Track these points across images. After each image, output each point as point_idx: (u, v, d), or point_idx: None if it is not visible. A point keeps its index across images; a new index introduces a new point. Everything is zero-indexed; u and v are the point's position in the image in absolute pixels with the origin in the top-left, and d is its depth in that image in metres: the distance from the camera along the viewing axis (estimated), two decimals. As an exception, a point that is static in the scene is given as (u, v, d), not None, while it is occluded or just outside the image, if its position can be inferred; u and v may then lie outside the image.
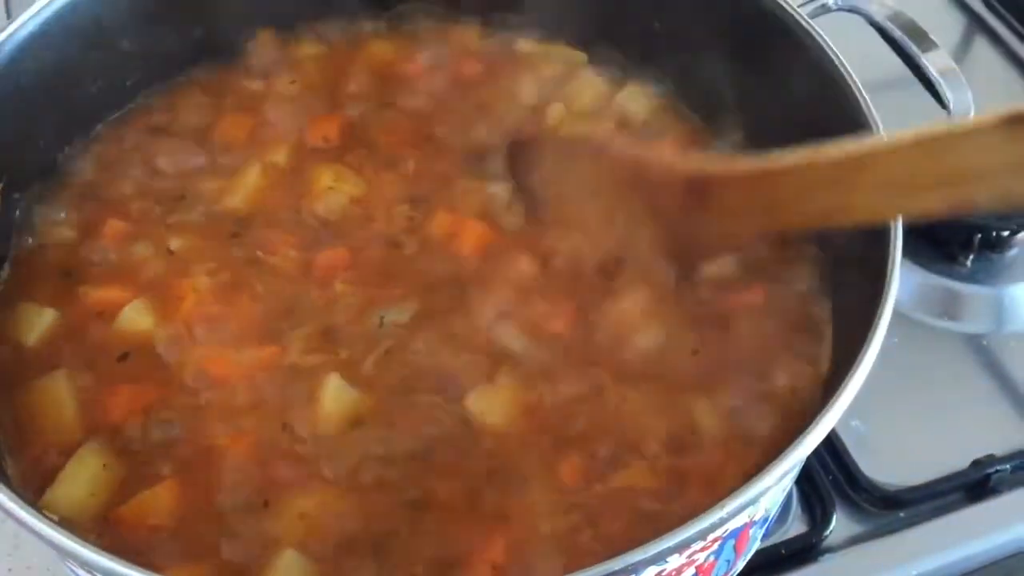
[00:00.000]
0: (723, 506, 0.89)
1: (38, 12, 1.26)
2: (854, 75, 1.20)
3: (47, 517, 0.89)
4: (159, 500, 1.06)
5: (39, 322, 1.20)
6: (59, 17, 1.28)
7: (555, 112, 1.41)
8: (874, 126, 1.15)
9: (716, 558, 1.00)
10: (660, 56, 1.45)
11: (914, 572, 1.32)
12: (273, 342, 1.19)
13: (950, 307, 1.57)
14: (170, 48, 1.43)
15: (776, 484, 0.91)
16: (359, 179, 1.35)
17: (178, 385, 1.15)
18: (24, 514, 0.87)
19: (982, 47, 1.95)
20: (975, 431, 1.44)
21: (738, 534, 1.00)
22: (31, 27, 1.26)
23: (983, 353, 1.53)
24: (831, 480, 1.38)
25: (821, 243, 1.23)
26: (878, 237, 1.07)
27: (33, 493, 1.06)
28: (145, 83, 1.44)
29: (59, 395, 1.14)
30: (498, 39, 1.51)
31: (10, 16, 1.24)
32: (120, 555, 0.85)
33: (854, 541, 1.34)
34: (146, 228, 1.30)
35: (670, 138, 1.41)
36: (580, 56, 1.49)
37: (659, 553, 0.87)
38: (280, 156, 1.37)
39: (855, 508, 1.37)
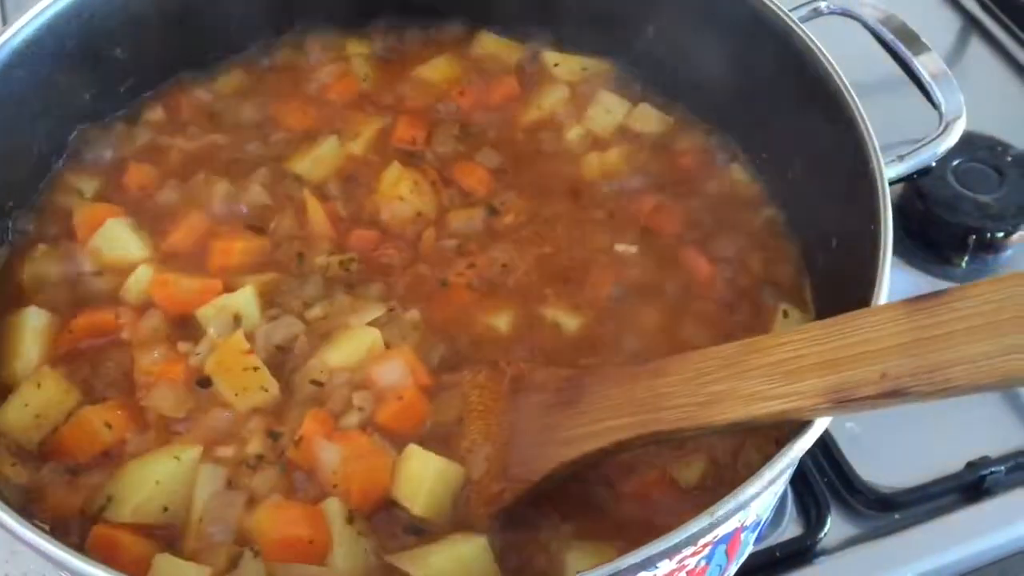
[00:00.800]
0: (712, 512, 0.89)
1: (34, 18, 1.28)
2: (845, 78, 1.21)
3: (39, 527, 0.89)
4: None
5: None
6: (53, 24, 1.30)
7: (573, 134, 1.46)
8: (864, 129, 1.15)
9: (708, 563, 1.00)
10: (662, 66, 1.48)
11: (910, 574, 1.32)
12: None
13: (945, 309, 1.57)
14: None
15: (766, 489, 0.91)
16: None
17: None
18: (16, 525, 0.87)
19: (977, 48, 1.95)
20: (969, 433, 1.43)
21: (729, 539, 1.00)
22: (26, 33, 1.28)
23: (977, 355, 1.52)
24: (826, 482, 1.38)
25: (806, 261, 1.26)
26: (866, 249, 1.08)
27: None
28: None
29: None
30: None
31: (6, 22, 1.26)
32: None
33: (849, 543, 1.35)
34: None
35: (680, 152, 1.43)
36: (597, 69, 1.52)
37: (649, 558, 0.88)
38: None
39: (850, 510, 1.37)
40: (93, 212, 1.34)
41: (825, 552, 1.33)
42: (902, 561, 1.33)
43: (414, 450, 1.12)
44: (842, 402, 0.91)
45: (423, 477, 1.10)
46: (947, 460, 1.40)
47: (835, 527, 1.34)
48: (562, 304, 1.27)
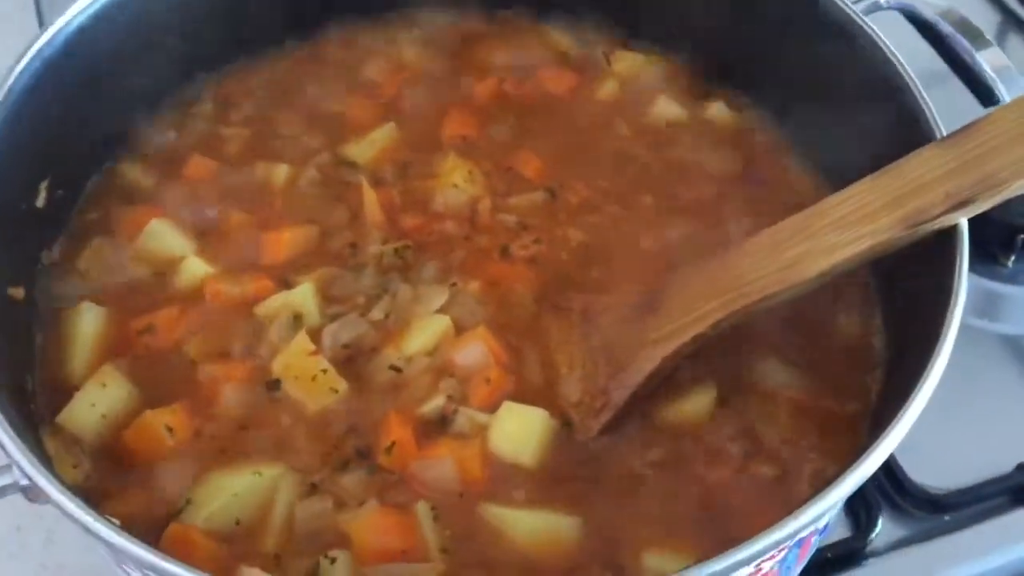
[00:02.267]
0: (797, 515, 0.88)
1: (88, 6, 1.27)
2: (912, 75, 1.19)
3: (110, 521, 0.87)
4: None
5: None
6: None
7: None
8: (934, 124, 1.14)
9: (780, 567, 0.99)
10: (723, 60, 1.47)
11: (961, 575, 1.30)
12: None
13: (991, 308, 1.56)
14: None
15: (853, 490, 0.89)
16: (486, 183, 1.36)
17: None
18: (87, 518, 0.85)
19: (1016, 43, 1.93)
20: (1019, 434, 1.42)
21: (803, 542, 0.99)
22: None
23: (1025, 354, 1.52)
24: (876, 484, 1.36)
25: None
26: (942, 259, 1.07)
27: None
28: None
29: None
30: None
31: (43, 24, 1.25)
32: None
33: (899, 545, 1.33)
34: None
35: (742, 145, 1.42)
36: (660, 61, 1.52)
37: (732, 564, 0.86)
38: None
39: (900, 512, 1.35)
40: (139, 209, 1.32)
41: (875, 554, 1.32)
42: (952, 563, 1.31)
43: (511, 407, 1.12)
44: (917, 225, 1.03)
45: (529, 429, 1.11)
46: (997, 461, 1.38)
47: (884, 529, 1.33)
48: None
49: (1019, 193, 1.03)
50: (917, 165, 1.07)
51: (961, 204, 1.03)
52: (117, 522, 0.88)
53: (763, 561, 0.92)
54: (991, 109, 1.06)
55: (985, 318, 1.55)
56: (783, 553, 0.95)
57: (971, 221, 1.54)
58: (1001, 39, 1.94)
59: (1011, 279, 1.57)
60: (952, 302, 1.02)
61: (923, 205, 1.04)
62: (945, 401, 1.39)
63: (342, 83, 1.47)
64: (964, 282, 1.04)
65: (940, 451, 1.39)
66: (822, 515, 0.87)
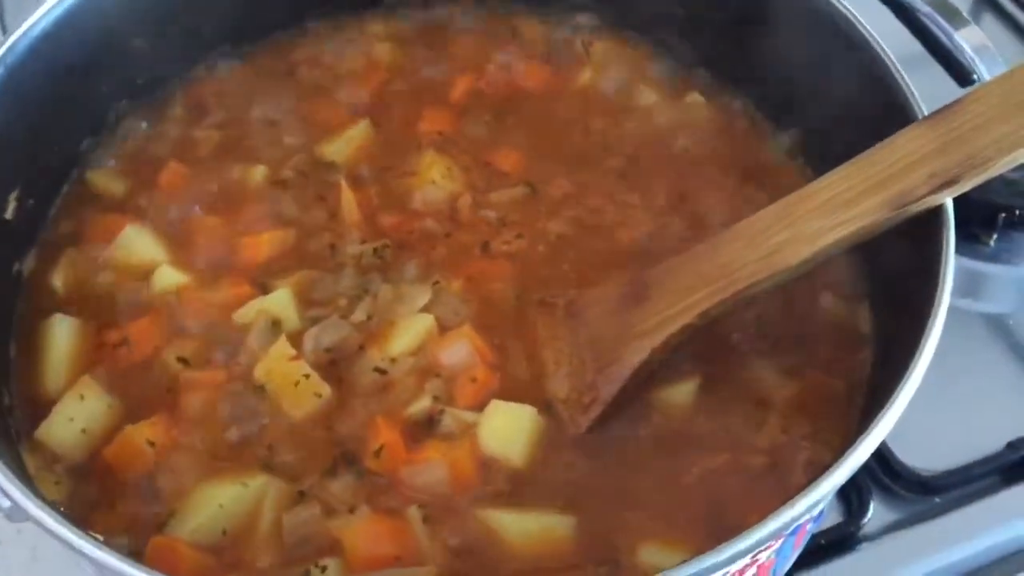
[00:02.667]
0: (793, 504, 0.87)
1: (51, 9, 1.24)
2: (893, 56, 1.18)
3: (94, 538, 0.85)
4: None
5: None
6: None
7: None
8: (916, 106, 1.14)
9: (776, 556, 0.98)
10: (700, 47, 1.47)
11: (954, 557, 1.30)
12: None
13: (974, 288, 1.55)
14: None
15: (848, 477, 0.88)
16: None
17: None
18: (72, 536, 0.83)
19: (992, 24, 1.92)
20: (1007, 412, 1.42)
21: (799, 530, 0.98)
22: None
23: (1009, 333, 1.51)
24: (866, 468, 1.35)
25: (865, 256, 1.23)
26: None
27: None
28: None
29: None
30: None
31: (6, 32, 1.23)
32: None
33: (891, 528, 1.32)
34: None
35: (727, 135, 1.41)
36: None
37: (730, 556, 0.85)
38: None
39: (891, 495, 1.35)
40: (112, 216, 1.29)
41: (867, 538, 1.31)
42: (945, 545, 1.30)
43: (498, 405, 1.11)
44: (903, 206, 1.02)
45: (517, 427, 1.10)
46: (986, 441, 1.38)
47: (876, 513, 1.32)
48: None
49: (1004, 171, 1.03)
50: (900, 146, 1.06)
51: (946, 184, 1.03)
52: (101, 538, 0.86)
53: (760, 552, 0.91)
54: (972, 87, 1.05)
55: (968, 298, 1.55)
56: (779, 542, 0.94)
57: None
58: (976, 18, 1.94)
59: (993, 258, 1.57)
60: (940, 283, 1.02)
61: (907, 187, 1.04)
62: (932, 383, 1.37)
63: (315, 82, 1.45)
64: (951, 263, 1.04)
65: (929, 433, 1.38)
66: (818, 503, 0.86)
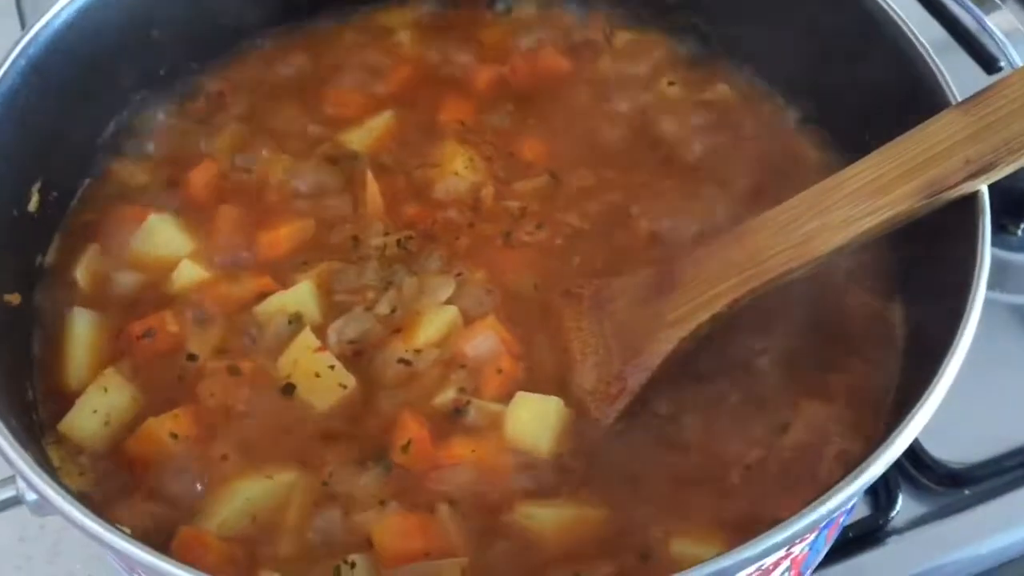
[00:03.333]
0: (827, 499, 0.86)
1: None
2: (922, 39, 1.17)
3: (120, 530, 0.84)
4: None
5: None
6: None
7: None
8: (948, 92, 1.11)
9: (810, 548, 0.96)
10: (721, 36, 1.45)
11: (983, 550, 1.29)
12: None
13: (1001, 278, 1.53)
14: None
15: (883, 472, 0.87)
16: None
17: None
18: (98, 528, 0.83)
19: (1016, 9, 1.90)
20: (1035, 403, 1.39)
21: (832, 523, 0.97)
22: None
23: (1037, 324, 1.49)
24: (895, 461, 1.33)
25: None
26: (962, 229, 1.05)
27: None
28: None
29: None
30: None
31: (24, 24, 1.22)
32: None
33: (920, 521, 1.31)
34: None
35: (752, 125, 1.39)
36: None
37: (766, 549, 0.83)
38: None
39: (920, 488, 1.33)
40: (135, 208, 1.28)
41: (896, 531, 1.30)
42: (975, 538, 1.29)
43: (524, 396, 1.10)
44: (937, 194, 1.01)
45: (544, 418, 1.09)
46: (1015, 432, 1.36)
47: (905, 506, 1.31)
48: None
49: None
50: (933, 133, 1.04)
51: (981, 171, 1.01)
52: (128, 531, 0.85)
53: (795, 544, 0.90)
54: (1006, 72, 1.03)
55: (995, 288, 1.53)
56: (814, 535, 0.93)
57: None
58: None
59: (1021, 248, 1.55)
60: (976, 273, 1.01)
61: (941, 173, 1.02)
62: (960, 374, 1.40)
63: (337, 72, 1.44)
64: (987, 252, 1.02)
65: (958, 425, 1.35)
66: (851, 497, 0.85)
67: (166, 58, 1.38)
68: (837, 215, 1.04)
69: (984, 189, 1.04)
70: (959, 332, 0.95)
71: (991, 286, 1.49)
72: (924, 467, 1.33)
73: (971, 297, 0.98)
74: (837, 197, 1.05)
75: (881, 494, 1.31)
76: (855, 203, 1.04)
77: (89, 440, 1.10)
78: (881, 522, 1.29)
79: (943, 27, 1.63)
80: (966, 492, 1.33)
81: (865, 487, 0.87)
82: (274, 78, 1.44)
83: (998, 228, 1.55)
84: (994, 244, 1.49)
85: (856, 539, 1.28)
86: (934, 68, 1.14)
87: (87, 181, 1.32)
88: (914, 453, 1.34)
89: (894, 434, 0.88)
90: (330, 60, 1.46)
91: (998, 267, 1.54)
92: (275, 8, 1.46)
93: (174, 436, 1.08)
